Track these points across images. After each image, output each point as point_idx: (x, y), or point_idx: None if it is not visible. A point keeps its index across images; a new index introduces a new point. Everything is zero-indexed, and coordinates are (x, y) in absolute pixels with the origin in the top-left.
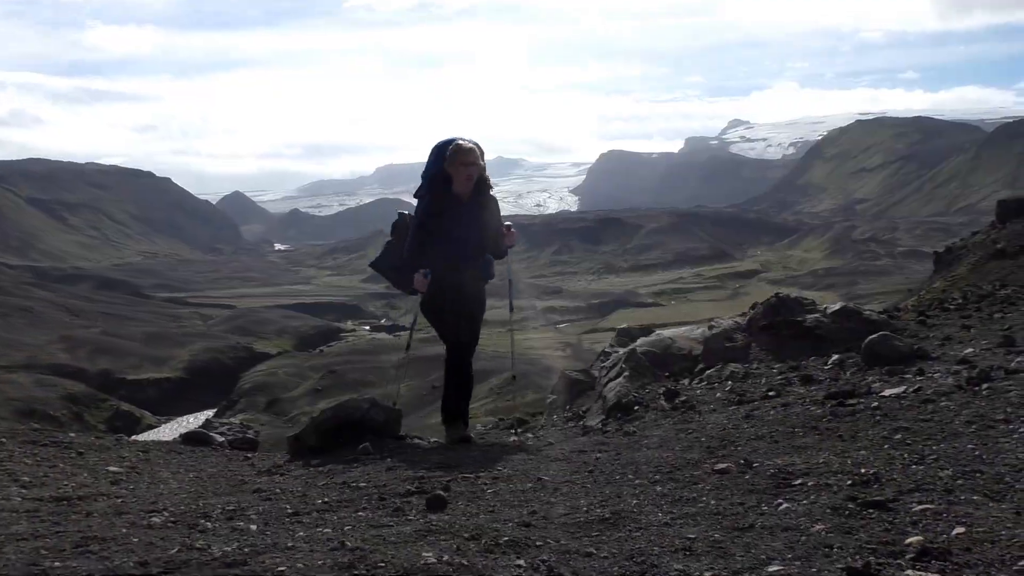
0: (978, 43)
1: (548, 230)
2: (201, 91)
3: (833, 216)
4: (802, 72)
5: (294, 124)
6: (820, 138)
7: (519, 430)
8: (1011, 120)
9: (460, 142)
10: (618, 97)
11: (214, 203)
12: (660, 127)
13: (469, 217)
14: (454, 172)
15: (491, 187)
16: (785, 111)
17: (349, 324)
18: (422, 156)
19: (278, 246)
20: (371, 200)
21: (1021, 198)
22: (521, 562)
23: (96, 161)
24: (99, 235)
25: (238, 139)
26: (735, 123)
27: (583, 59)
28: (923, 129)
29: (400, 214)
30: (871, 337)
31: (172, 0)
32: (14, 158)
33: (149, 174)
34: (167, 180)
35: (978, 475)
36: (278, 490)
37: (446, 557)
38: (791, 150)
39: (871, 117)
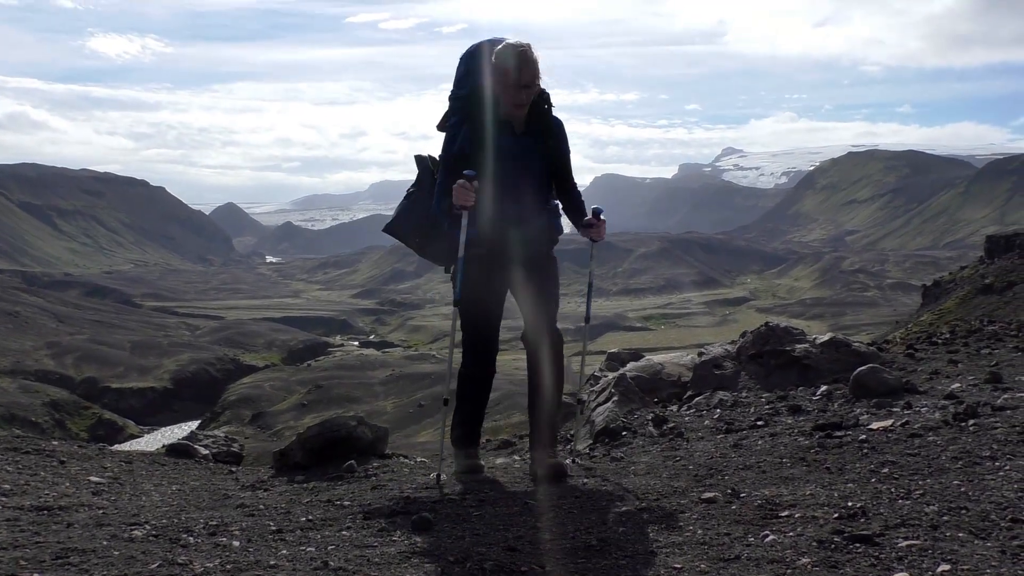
0: (975, 80)
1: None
2: (200, 102)
3: (823, 246)
4: (800, 103)
5: (292, 137)
6: (812, 168)
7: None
8: (1001, 157)
9: (511, 42)
10: (615, 122)
11: (207, 213)
12: (655, 152)
13: (525, 152)
14: (502, 88)
15: (551, 106)
16: (781, 141)
17: (337, 339)
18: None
19: (269, 258)
20: (365, 216)
21: (1009, 234)
22: None
23: (90, 168)
24: (91, 242)
25: (235, 151)
26: (729, 151)
27: (581, 82)
28: (913, 163)
29: (419, 157)
30: (859, 369)
31: (174, 11)
32: (7, 162)
33: (143, 183)
34: (161, 189)
35: (964, 512)
36: (262, 506)
37: None
38: (783, 179)
39: (863, 149)
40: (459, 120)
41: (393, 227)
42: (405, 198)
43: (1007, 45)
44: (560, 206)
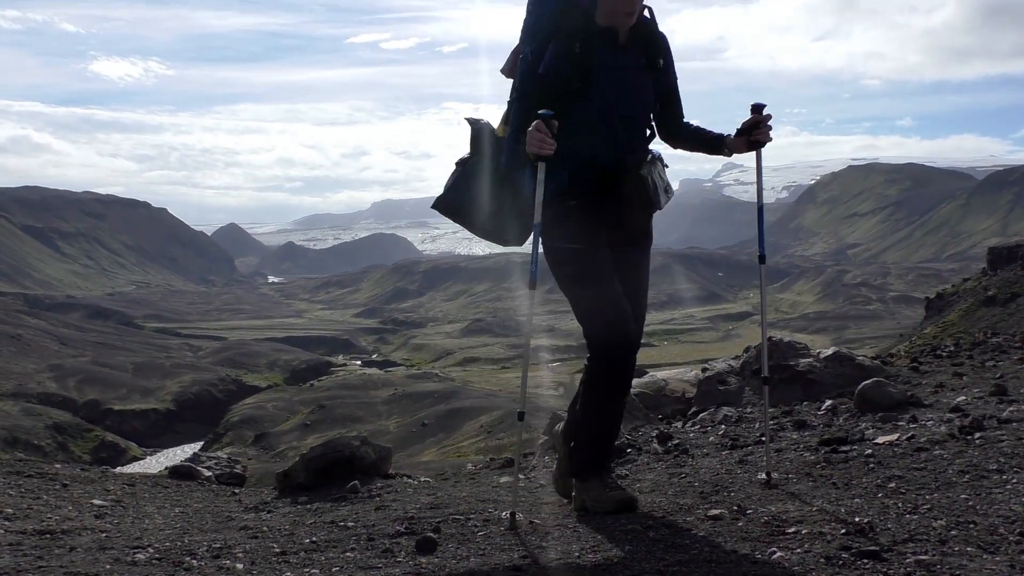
0: (975, 93)
1: (541, 268)
2: (202, 123)
3: (825, 260)
4: (800, 117)
5: (294, 157)
6: (813, 182)
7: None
8: (1001, 168)
9: None
10: None
11: (209, 234)
12: None
13: (632, 73)
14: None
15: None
16: (782, 155)
17: (340, 359)
18: (419, 192)
19: (272, 278)
20: (366, 235)
21: (1012, 246)
22: None
23: (93, 190)
24: (93, 264)
25: (237, 171)
26: (729, 166)
27: None
28: (914, 176)
29: (472, 120)
30: (864, 383)
31: (176, 34)
32: (9, 185)
33: (145, 204)
34: (163, 211)
35: (972, 526)
36: (265, 528)
37: None
38: (784, 194)
39: (863, 163)
40: (539, 46)
41: (444, 201)
42: (458, 165)
43: (1006, 58)
44: (661, 156)
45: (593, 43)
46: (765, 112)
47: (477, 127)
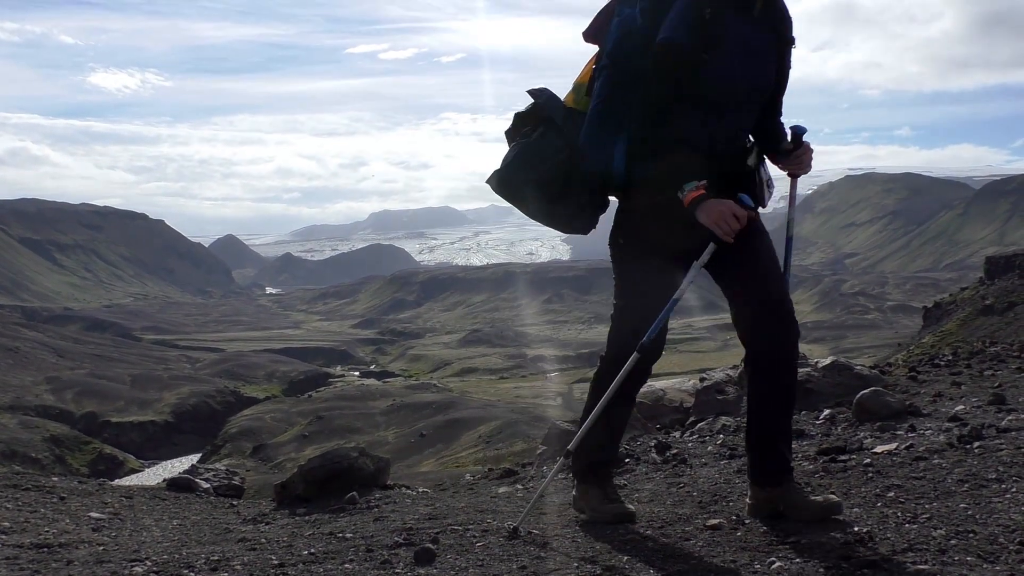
0: (973, 102)
1: (539, 278)
2: (200, 134)
3: (822, 269)
4: None
5: (292, 168)
6: (810, 192)
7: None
8: (999, 178)
9: None
10: None
11: (207, 246)
12: None
13: (761, 51)
14: None
15: None
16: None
17: (338, 369)
18: (417, 203)
19: (269, 290)
20: (364, 245)
21: (1009, 255)
22: None
23: (90, 202)
24: (90, 276)
25: (235, 182)
26: None
27: None
28: (911, 185)
29: (536, 92)
30: (863, 392)
31: (173, 45)
32: (7, 197)
33: (143, 216)
34: (160, 222)
35: (971, 535)
36: (263, 540)
37: None
38: (781, 203)
39: (860, 173)
40: (649, 5)
41: (502, 178)
42: (521, 137)
43: (1004, 68)
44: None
45: (725, 8)
46: (805, 139)
47: (543, 99)
